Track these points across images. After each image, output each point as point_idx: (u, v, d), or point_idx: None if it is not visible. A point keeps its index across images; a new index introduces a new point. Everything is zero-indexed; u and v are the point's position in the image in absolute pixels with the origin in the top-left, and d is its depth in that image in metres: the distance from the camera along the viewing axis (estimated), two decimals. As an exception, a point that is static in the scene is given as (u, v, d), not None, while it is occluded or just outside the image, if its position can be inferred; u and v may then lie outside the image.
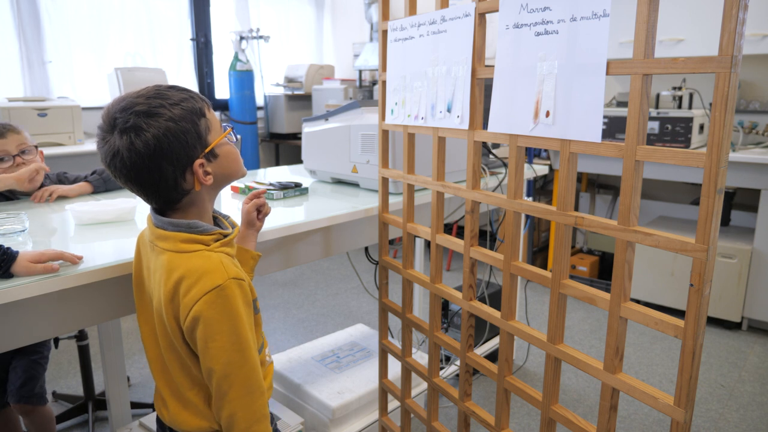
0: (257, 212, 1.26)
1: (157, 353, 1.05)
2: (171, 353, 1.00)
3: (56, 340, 2.07)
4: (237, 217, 1.21)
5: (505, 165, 2.19)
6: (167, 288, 0.94)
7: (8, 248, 1.04)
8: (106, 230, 1.40)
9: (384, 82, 1.54)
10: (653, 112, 3.04)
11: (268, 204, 1.28)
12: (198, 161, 0.96)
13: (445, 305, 2.53)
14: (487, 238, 3.44)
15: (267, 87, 4.45)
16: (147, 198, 0.99)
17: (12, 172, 1.63)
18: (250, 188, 1.81)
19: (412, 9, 1.43)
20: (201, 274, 0.92)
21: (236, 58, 4.03)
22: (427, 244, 3.28)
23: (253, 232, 1.26)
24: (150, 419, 1.77)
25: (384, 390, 1.79)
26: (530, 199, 3.35)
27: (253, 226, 1.26)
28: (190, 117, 0.94)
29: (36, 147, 1.76)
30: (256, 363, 0.97)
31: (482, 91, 1.26)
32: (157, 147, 0.91)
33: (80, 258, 1.13)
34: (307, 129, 2.04)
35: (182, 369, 1.00)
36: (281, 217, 1.57)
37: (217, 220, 1.09)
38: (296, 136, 4.43)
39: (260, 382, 0.97)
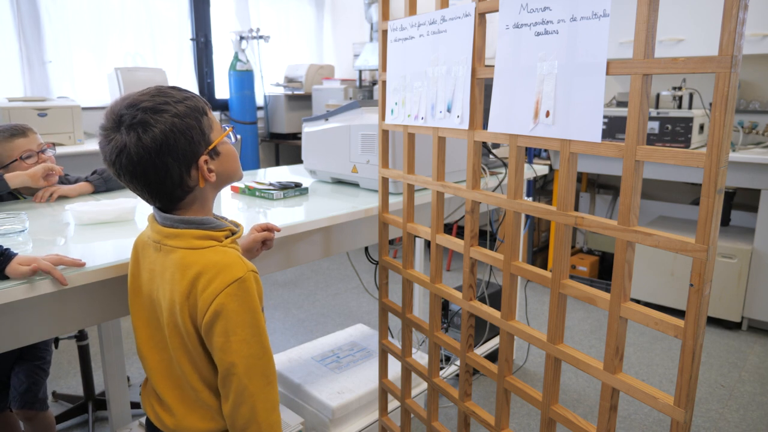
0: (262, 242, 1.28)
1: (159, 359, 1.04)
2: (183, 355, 0.99)
3: (56, 340, 2.06)
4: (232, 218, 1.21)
5: (505, 165, 2.19)
6: (183, 285, 0.94)
7: (7, 249, 1.04)
8: (106, 230, 1.40)
9: (384, 82, 1.54)
10: (653, 112, 3.04)
11: (273, 225, 1.30)
12: (203, 158, 0.97)
13: (445, 305, 2.53)
14: (487, 238, 3.44)
15: (267, 87, 4.45)
16: (150, 196, 0.99)
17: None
18: (250, 188, 1.81)
19: (412, 9, 1.42)
20: (220, 269, 0.93)
21: (236, 58, 4.03)
22: (427, 244, 3.28)
23: (248, 257, 1.26)
24: (150, 419, 1.76)
25: (384, 390, 1.79)
26: (530, 199, 3.35)
27: (250, 252, 1.27)
28: (194, 114, 0.96)
29: (54, 145, 1.83)
30: (272, 353, 0.99)
31: (482, 91, 1.26)
32: (164, 142, 0.92)
33: (83, 264, 1.11)
34: (307, 129, 2.04)
35: (195, 370, 1.00)
36: (281, 217, 1.57)
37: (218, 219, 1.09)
38: (296, 136, 4.43)
39: (275, 372, 1.00)
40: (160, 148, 0.92)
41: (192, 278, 0.94)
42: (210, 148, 0.98)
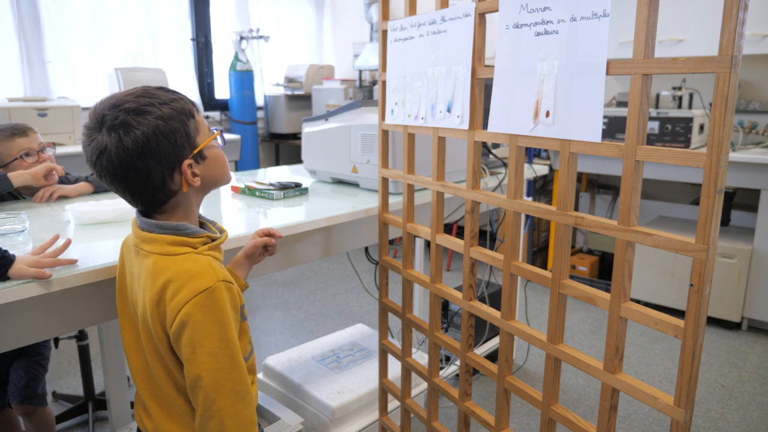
0: (264, 248, 1.26)
1: (141, 362, 1.02)
2: (156, 361, 0.98)
3: (56, 340, 2.07)
4: (226, 222, 1.21)
5: (505, 165, 2.19)
6: (153, 291, 0.92)
7: (6, 251, 1.04)
8: (106, 230, 1.40)
9: (384, 82, 1.54)
10: (653, 112, 3.04)
11: (275, 231, 1.28)
12: (186, 161, 0.95)
13: (445, 305, 2.53)
14: (487, 238, 3.44)
15: (267, 87, 4.45)
16: (132, 199, 0.97)
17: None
18: (250, 188, 1.81)
19: (412, 9, 1.42)
20: (189, 277, 0.91)
21: (236, 58, 4.03)
22: (427, 244, 3.28)
23: (249, 262, 1.26)
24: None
25: (384, 390, 1.79)
26: (530, 199, 3.35)
27: (251, 257, 1.25)
28: (179, 117, 0.93)
29: (54, 144, 1.85)
30: (245, 368, 0.95)
31: (482, 91, 1.26)
32: (146, 145, 0.90)
33: (75, 261, 1.11)
34: (307, 129, 2.04)
35: (168, 377, 0.98)
36: (281, 217, 1.57)
37: (204, 225, 1.08)
38: (296, 136, 4.43)
39: (249, 388, 0.96)
40: (141, 150, 0.89)
41: (161, 285, 0.91)
42: (195, 152, 0.96)
